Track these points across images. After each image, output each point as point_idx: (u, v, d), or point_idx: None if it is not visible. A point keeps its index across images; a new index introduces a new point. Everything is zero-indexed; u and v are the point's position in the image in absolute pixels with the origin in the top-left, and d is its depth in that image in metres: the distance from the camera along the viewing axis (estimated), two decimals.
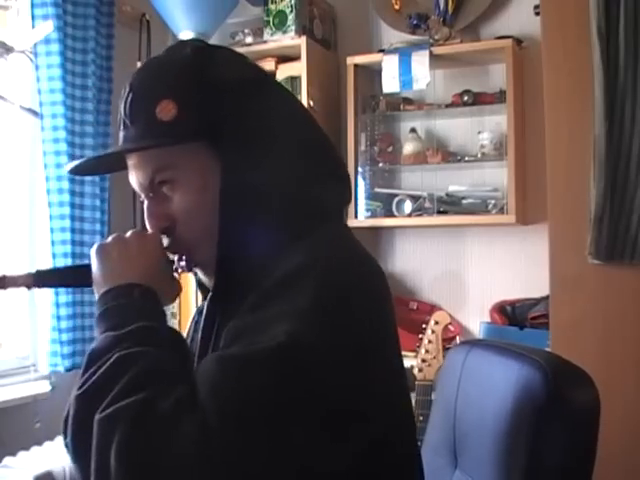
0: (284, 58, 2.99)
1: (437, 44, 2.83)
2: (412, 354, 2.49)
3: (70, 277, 1.07)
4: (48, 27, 2.39)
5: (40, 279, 1.05)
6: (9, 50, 2.40)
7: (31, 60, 2.49)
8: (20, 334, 2.58)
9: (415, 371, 2.37)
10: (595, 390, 1.02)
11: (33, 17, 2.44)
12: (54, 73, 2.47)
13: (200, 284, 1.07)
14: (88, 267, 1.00)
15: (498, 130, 2.80)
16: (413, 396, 2.37)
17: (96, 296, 0.97)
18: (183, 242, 0.99)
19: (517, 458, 1.01)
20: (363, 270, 0.93)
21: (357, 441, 0.87)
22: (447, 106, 2.90)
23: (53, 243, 2.49)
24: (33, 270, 1.04)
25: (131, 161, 1.00)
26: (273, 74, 3.01)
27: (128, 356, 0.83)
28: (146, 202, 1.01)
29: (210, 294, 1.03)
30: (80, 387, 0.83)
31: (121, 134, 1.00)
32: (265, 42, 2.99)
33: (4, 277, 1.02)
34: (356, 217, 2.95)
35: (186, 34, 2.85)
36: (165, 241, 1.00)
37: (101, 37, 2.66)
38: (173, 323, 2.72)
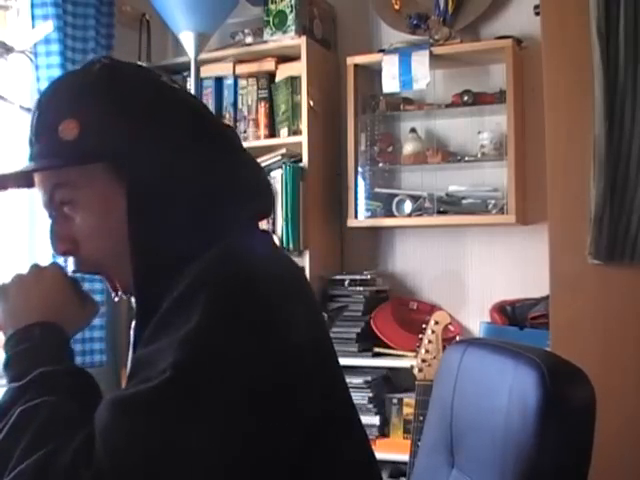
0: (284, 58, 2.99)
1: (437, 44, 2.83)
2: (412, 354, 2.50)
3: None
4: (48, 27, 2.39)
5: None
6: (9, 50, 2.40)
7: (31, 60, 2.49)
8: None
9: (415, 371, 2.37)
10: (591, 388, 1.02)
11: (33, 17, 2.44)
12: (54, 73, 2.47)
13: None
14: None
15: (498, 130, 2.80)
16: (413, 396, 2.37)
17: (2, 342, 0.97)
18: (90, 263, 0.98)
19: (513, 457, 1.01)
20: (257, 284, 0.87)
21: (257, 464, 0.84)
22: (447, 106, 2.90)
23: None
24: None
25: (36, 179, 1.00)
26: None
27: (27, 411, 0.83)
28: (49, 222, 1.00)
29: (134, 320, 1.01)
30: None
31: (28, 151, 1.00)
32: (265, 42, 2.99)
33: None
34: (356, 217, 2.95)
35: (186, 34, 2.86)
36: (72, 262, 0.99)
37: (101, 37, 2.66)
38: None
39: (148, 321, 0.91)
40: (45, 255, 2.54)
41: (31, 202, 2.60)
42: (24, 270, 1.01)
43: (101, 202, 0.95)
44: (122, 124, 0.93)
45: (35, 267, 1.01)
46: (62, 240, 0.98)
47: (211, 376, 0.80)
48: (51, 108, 0.97)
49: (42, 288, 0.98)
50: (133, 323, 1.03)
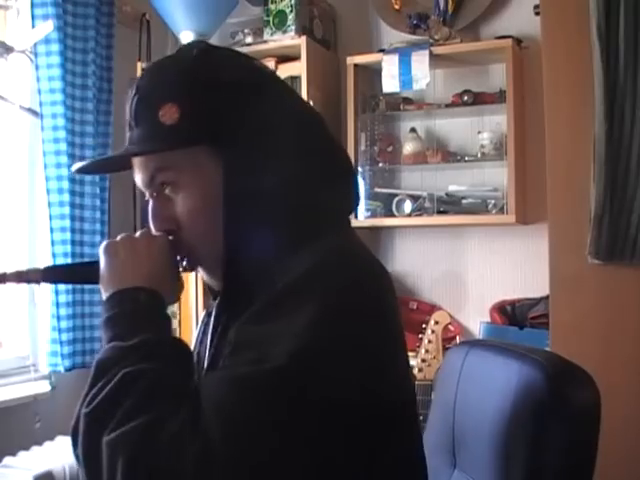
0: (284, 58, 2.99)
1: (437, 44, 2.83)
2: (412, 354, 2.50)
3: (78, 274, 1.08)
4: (48, 27, 2.39)
5: (49, 275, 1.06)
6: (9, 50, 2.40)
7: (31, 60, 2.49)
8: (20, 334, 2.58)
9: (415, 371, 2.37)
10: (596, 390, 1.02)
11: (33, 17, 2.44)
12: (54, 73, 2.47)
13: (208, 285, 1.07)
14: (97, 264, 1.00)
15: (498, 130, 2.80)
16: None
17: (103, 295, 0.98)
18: (186, 243, 1.00)
19: (517, 458, 1.01)
20: (368, 280, 0.92)
21: (361, 456, 0.88)
22: (447, 106, 2.90)
23: (53, 243, 2.49)
24: (42, 266, 1.05)
25: (135, 161, 1.01)
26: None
27: (133, 374, 0.84)
28: (150, 202, 1.01)
29: (218, 298, 1.03)
30: (88, 404, 0.84)
31: (127, 134, 1.01)
32: (265, 42, 2.99)
33: (16, 272, 1.03)
34: (356, 217, 2.94)
35: (186, 34, 2.86)
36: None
37: (101, 37, 2.66)
38: (173, 323, 2.72)
39: (237, 307, 0.93)
40: (45, 255, 2.54)
41: (31, 203, 2.61)
42: (135, 233, 1.02)
43: (202, 184, 0.97)
44: (220, 108, 0.95)
45: (147, 233, 1.01)
46: (163, 220, 1.00)
47: (323, 371, 0.83)
48: (150, 92, 0.98)
49: (152, 255, 0.98)
50: (204, 313, 1.06)
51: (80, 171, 1.09)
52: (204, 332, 1.08)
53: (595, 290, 2.22)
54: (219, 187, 0.95)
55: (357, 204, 1.07)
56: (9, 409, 2.31)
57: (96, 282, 1.00)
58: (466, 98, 2.84)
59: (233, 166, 0.95)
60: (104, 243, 1.01)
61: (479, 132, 2.85)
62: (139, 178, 1.01)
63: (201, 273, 1.04)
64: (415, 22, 2.93)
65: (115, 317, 0.93)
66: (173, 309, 2.75)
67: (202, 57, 0.99)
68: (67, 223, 2.50)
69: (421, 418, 2.32)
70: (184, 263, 1.02)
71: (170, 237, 1.00)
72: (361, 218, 2.96)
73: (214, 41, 3.08)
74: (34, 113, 2.52)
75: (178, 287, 1.04)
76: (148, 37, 3.03)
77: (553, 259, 2.30)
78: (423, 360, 2.35)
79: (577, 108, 2.25)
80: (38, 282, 1.05)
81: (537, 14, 2.44)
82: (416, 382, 2.36)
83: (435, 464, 1.22)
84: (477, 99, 2.84)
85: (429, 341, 2.36)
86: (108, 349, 0.89)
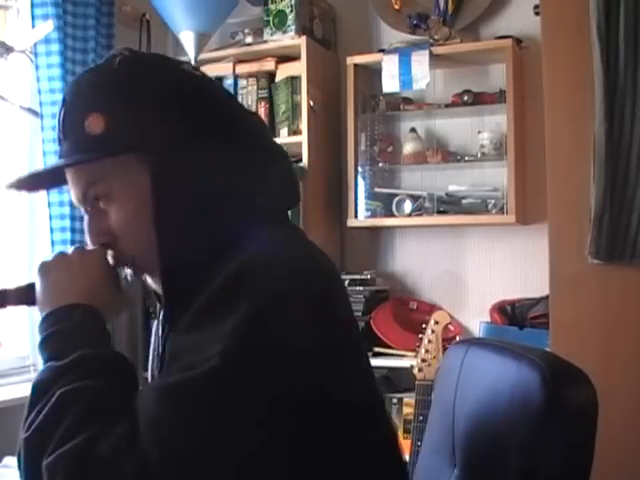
0: (284, 58, 2.99)
1: (437, 44, 2.83)
2: (412, 354, 2.50)
3: (18, 296, 1.03)
4: (48, 27, 2.39)
5: None
6: (9, 50, 2.40)
7: (31, 60, 2.49)
8: (20, 334, 2.58)
9: (415, 371, 2.37)
10: (593, 389, 1.01)
11: (33, 17, 2.44)
12: (54, 73, 2.47)
13: (153, 292, 1.06)
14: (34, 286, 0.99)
15: (498, 130, 2.80)
16: (413, 396, 2.37)
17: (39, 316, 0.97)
18: (126, 253, 0.98)
19: (515, 458, 1.01)
20: (302, 274, 0.89)
21: (304, 458, 0.86)
22: (447, 106, 2.90)
23: (53, 243, 2.49)
24: None
25: (68, 176, 1.00)
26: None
27: (68, 394, 0.83)
28: (85, 217, 1.00)
29: (163, 306, 1.02)
30: (27, 429, 0.84)
31: (57, 148, 1.01)
32: (265, 42, 2.99)
33: None
34: (356, 217, 2.95)
35: (186, 34, 2.86)
36: (109, 254, 1.00)
37: (101, 37, 2.66)
38: None
39: (176, 314, 0.92)
40: (44, 255, 2.54)
41: (31, 203, 2.61)
42: (68, 250, 1.01)
43: (133, 193, 0.96)
44: (146, 114, 0.94)
45: (80, 249, 1.00)
46: (99, 233, 0.99)
47: (258, 368, 0.81)
48: (76, 105, 0.98)
49: (86, 271, 0.97)
50: (155, 321, 1.05)
51: (15, 187, 1.06)
52: (158, 340, 1.08)
53: (595, 290, 2.22)
54: (149, 194, 0.94)
55: (296, 202, 1.07)
56: (9, 409, 2.31)
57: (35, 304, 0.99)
58: (466, 98, 2.84)
59: (161, 172, 0.94)
60: (39, 264, 1.00)
61: (479, 132, 2.85)
62: (73, 194, 1.00)
63: (148, 281, 1.02)
64: (415, 22, 2.93)
65: (50, 337, 0.91)
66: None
67: (125, 65, 0.97)
68: (67, 223, 2.50)
69: (421, 418, 2.33)
70: (129, 271, 1.01)
71: (110, 250, 0.99)
72: (361, 218, 2.96)
73: (214, 41, 3.09)
74: (34, 113, 2.52)
75: (121, 301, 1.02)
76: (148, 37, 3.03)
77: (553, 259, 2.30)
78: (423, 360, 2.35)
79: (577, 108, 2.25)
80: None
81: (537, 14, 2.44)
82: (416, 382, 2.36)
83: (435, 463, 1.22)
84: (477, 99, 2.84)
85: (429, 341, 2.36)
86: (44, 370, 0.88)
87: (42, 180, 1.09)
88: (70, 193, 1.01)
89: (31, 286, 1.01)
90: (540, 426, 0.98)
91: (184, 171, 0.93)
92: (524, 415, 1.00)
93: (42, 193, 2.49)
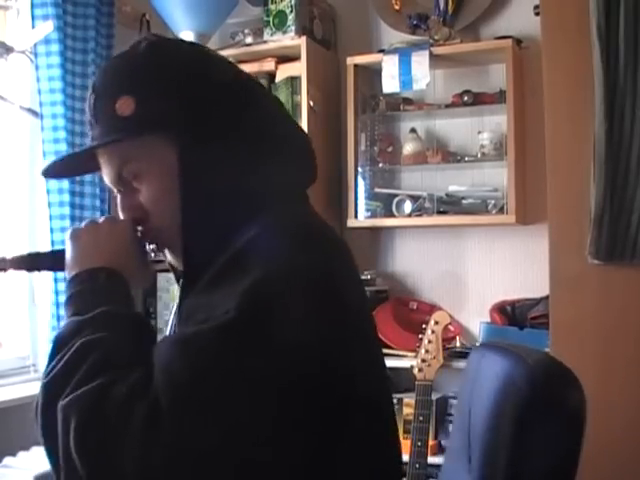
0: (284, 58, 2.99)
1: (437, 44, 2.83)
2: (412, 354, 2.50)
3: (46, 261, 1.10)
4: (48, 27, 2.38)
5: (17, 263, 1.08)
6: (9, 50, 2.40)
7: (31, 60, 2.49)
8: (20, 334, 2.58)
9: (415, 371, 2.37)
10: (581, 391, 1.01)
11: (33, 17, 2.44)
12: (54, 73, 2.47)
13: (171, 267, 1.10)
14: (64, 252, 1.04)
15: (498, 130, 2.80)
16: (413, 396, 2.37)
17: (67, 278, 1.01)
18: (156, 229, 1.03)
19: (504, 460, 1.01)
20: (316, 243, 0.93)
21: (315, 424, 0.86)
22: (447, 106, 2.90)
23: (53, 243, 2.49)
24: (8, 255, 1.07)
25: (101, 159, 1.04)
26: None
27: (88, 344, 0.86)
28: (118, 197, 1.05)
29: (181, 279, 1.05)
30: (46, 375, 0.87)
31: (89, 134, 1.05)
32: (265, 42, 2.99)
33: None
34: (356, 217, 2.95)
35: (186, 34, 2.86)
36: (138, 229, 1.04)
37: (101, 37, 2.66)
38: None
39: (193, 284, 0.96)
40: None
41: (31, 203, 2.61)
42: (99, 219, 1.06)
43: (163, 170, 1.00)
44: (172, 96, 0.98)
45: (110, 218, 1.05)
46: (130, 209, 1.03)
47: (272, 326, 0.83)
48: (106, 89, 1.02)
49: (114, 238, 1.02)
50: (177, 292, 1.08)
51: (49, 174, 1.12)
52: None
53: (595, 290, 2.22)
54: (177, 172, 0.98)
55: (314, 180, 1.10)
56: (9, 409, 2.31)
57: (63, 269, 1.03)
58: (466, 98, 2.84)
59: (187, 150, 0.98)
60: (69, 229, 1.05)
61: (479, 132, 2.85)
62: (107, 176, 1.04)
63: (168, 256, 1.06)
64: (415, 22, 2.93)
65: (74, 296, 0.96)
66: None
67: (152, 49, 1.02)
68: (67, 223, 2.50)
69: (421, 418, 2.32)
70: (152, 246, 1.05)
71: (139, 227, 1.03)
72: (361, 218, 2.96)
73: (214, 41, 3.09)
74: (34, 113, 2.51)
75: (147, 272, 1.07)
76: None
77: (553, 259, 2.30)
78: (423, 360, 2.35)
79: (577, 108, 2.25)
80: (5, 270, 1.07)
81: (537, 14, 2.44)
82: (416, 382, 2.36)
83: (455, 468, 1.23)
84: (477, 99, 2.84)
85: (429, 341, 2.36)
86: (67, 324, 0.92)
87: (77, 166, 1.13)
88: (104, 176, 1.05)
89: (32, 254, 1.08)
90: (524, 428, 0.98)
91: (207, 150, 0.97)
92: (512, 417, 1.01)
93: (42, 193, 2.50)
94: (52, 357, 0.89)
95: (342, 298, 0.91)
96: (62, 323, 0.95)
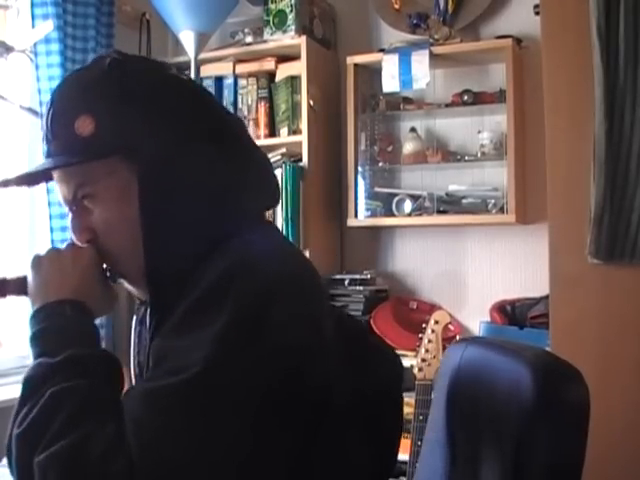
0: (284, 58, 2.99)
1: (437, 44, 2.83)
2: (412, 353, 2.50)
3: (14, 287, 1.05)
4: (48, 27, 2.39)
5: None
6: (9, 50, 2.40)
7: (31, 60, 2.49)
8: (20, 334, 2.58)
9: (415, 371, 2.37)
10: (585, 388, 1.01)
11: (33, 17, 2.44)
12: (54, 73, 2.47)
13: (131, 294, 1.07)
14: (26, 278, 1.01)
15: (498, 130, 2.80)
16: (413, 396, 2.37)
17: (31, 309, 0.98)
18: (107, 254, 1.00)
19: (508, 455, 1.01)
20: (286, 274, 0.90)
21: (281, 458, 0.87)
22: (447, 106, 2.90)
23: (53, 243, 2.49)
24: None
25: (55, 175, 1.02)
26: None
27: (60, 393, 0.84)
28: (70, 215, 1.02)
29: (148, 309, 1.02)
30: (19, 424, 0.85)
31: (44, 147, 1.02)
32: (265, 42, 2.99)
33: None
34: (356, 217, 2.95)
35: (186, 34, 2.86)
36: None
37: (101, 37, 2.66)
38: None
39: (162, 316, 0.93)
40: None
41: (31, 203, 2.61)
42: (61, 246, 1.03)
43: (119, 194, 0.97)
44: (134, 117, 0.95)
45: (72, 245, 1.02)
46: (83, 231, 1.00)
47: (242, 373, 0.82)
48: (65, 105, 0.99)
49: (78, 267, 0.99)
50: (134, 321, 1.07)
51: (2, 185, 1.09)
52: (139, 342, 1.09)
53: (595, 290, 2.22)
54: (136, 198, 0.95)
55: (275, 204, 1.08)
56: (9, 409, 2.31)
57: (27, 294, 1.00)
58: (466, 98, 2.84)
59: (147, 174, 0.95)
60: (32, 257, 1.02)
61: (479, 132, 2.85)
62: (60, 193, 1.02)
63: (125, 285, 1.04)
64: (415, 22, 2.93)
65: (42, 332, 0.93)
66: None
67: (115, 68, 0.98)
68: (67, 223, 2.50)
69: (421, 418, 2.32)
70: (108, 274, 1.02)
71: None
72: (361, 218, 2.96)
73: (214, 41, 3.09)
74: (34, 113, 2.51)
75: (110, 298, 1.04)
76: (148, 37, 3.04)
77: (553, 259, 2.30)
78: (423, 360, 2.35)
79: (577, 108, 2.25)
80: None
81: (537, 14, 2.44)
82: (416, 382, 2.36)
83: (434, 461, 1.23)
84: (477, 99, 2.84)
85: (429, 341, 2.36)
86: (36, 366, 0.90)
87: (31, 179, 1.10)
88: (57, 191, 1.03)
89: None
90: (530, 424, 0.98)
91: (170, 174, 0.94)
92: (516, 413, 1.01)
93: (42, 193, 2.50)
94: (23, 403, 0.87)
95: (316, 333, 0.90)
96: (30, 362, 0.93)
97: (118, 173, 0.96)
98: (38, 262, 1.00)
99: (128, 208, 0.95)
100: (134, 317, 1.11)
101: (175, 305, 0.90)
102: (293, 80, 2.94)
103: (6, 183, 1.08)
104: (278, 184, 1.09)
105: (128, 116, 0.95)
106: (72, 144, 0.96)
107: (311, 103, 2.89)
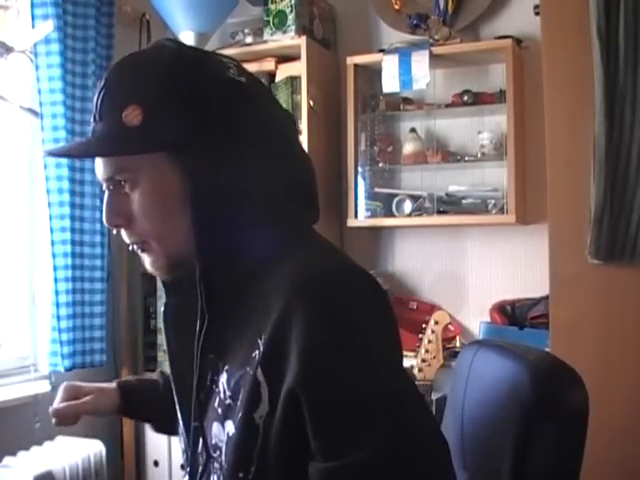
0: (284, 58, 2.99)
1: (437, 44, 2.83)
2: (412, 354, 2.49)
3: None
4: (48, 27, 2.39)
5: None
6: (9, 50, 2.40)
7: (31, 60, 2.49)
8: (20, 334, 2.58)
9: (415, 371, 2.37)
10: (584, 391, 1.01)
11: (33, 17, 2.44)
12: (54, 73, 2.47)
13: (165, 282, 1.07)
14: None
15: (498, 130, 2.80)
16: None
17: None
18: (138, 237, 1.00)
19: (508, 459, 1.01)
20: (367, 287, 0.93)
21: None
22: (447, 106, 2.90)
23: (53, 243, 2.49)
24: None
25: (97, 157, 1.02)
26: (272, 76, 3.02)
27: None
28: (106, 194, 1.01)
29: (204, 300, 1.00)
30: None
31: (92, 125, 1.01)
32: (265, 42, 2.99)
33: None
34: (356, 217, 2.95)
35: (186, 34, 2.86)
36: (124, 234, 1.01)
37: (101, 37, 2.66)
38: None
39: (212, 314, 0.96)
40: (45, 255, 2.54)
41: (31, 203, 2.61)
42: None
43: (159, 188, 0.97)
44: (185, 114, 0.94)
45: None
46: (117, 214, 0.99)
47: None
48: (117, 89, 0.98)
49: None
50: (162, 308, 1.08)
51: (52, 154, 1.24)
52: (172, 325, 1.08)
53: (595, 290, 2.22)
54: (175, 191, 0.95)
55: (315, 221, 1.07)
56: (9, 409, 2.31)
57: None
58: (466, 98, 2.84)
59: (191, 173, 0.94)
60: None
61: (479, 132, 2.85)
62: (99, 173, 1.01)
63: (146, 260, 1.03)
64: (415, 22, 2.93)
65: None
66: None
67: (174, 61, 0.97)
68: (67, 223, 2.50)
69: None
70: (135, 246, 1.02)
71: (123, 230, 1.01)
72: (361, 218, 2.96)
73: (214, 41, 3.09)
74: (34, 113, 2.52)
75: None
76: (148, 37, 3.03)
77: (553, 259, 2.30)
78: (423, 360, 2.35)
79: (577, 108, 2.25)
80: None
81: (537, 14, 2.45)
82: (416, 382, 2.36)
83: None
84: (477, 99, 2.84)
85: (429, 341, 2.35)
86: None
87: (74, 150, 1.14)
88: (95, 169, 1.02)
89: None
90: (530, 426, 0.98)
91: (214, 174, 0.94)
92: (517, 416, 1.01)
93: (42, 193, 2.50)
94: None
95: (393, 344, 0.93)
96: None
97: (159, 167, 0.96)
98: None
99: (166, 201, 0.96)
100: (163, 307, 1.09)
101: (239, 302, 0.94)
102: (293, 80, 2.94)
103: (50, 153, 1.24)
104: (317, 194, 1.06)
105: (179, 113, 0.94)
106: (117, 131, 0.95)
107: (311, 103, 2.89)
